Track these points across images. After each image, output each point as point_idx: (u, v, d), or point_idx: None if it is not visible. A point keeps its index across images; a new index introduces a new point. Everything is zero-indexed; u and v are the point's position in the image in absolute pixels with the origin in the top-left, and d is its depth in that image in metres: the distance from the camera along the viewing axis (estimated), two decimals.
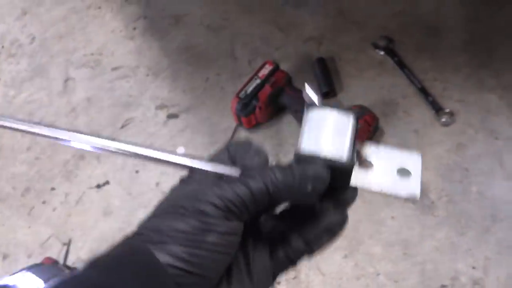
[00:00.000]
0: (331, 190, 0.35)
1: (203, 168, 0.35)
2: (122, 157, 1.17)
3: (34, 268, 0.95)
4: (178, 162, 0.35)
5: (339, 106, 0.37)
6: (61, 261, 1.05)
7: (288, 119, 1.16)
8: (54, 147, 1.23)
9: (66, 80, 1.35)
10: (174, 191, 0.35)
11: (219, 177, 0.35)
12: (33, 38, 1.45)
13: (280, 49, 1.29)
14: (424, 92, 1.13)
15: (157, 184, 1.12)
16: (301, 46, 1.29)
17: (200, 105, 1.23)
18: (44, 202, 1.14)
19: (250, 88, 1.10)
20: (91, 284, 0.30)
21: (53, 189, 1.16)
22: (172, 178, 1.12)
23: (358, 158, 0.37)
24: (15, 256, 1.08)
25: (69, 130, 0.36)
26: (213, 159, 0.36)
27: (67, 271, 0.98)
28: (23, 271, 0.93)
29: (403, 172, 0.37)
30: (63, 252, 1.06)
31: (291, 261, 0.37)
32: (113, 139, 0.35)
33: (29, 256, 1.07)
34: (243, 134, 1.16)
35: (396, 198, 1.02)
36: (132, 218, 1.09)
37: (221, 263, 0.32)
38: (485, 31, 1.22)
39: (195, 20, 1.39)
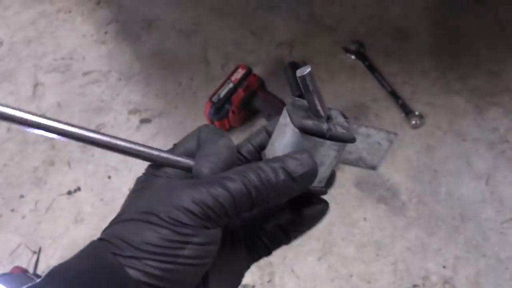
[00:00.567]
0: None
1: (157, 158, 0.32)
2: (93, 162, 1.16)
3: (2, 277, 0.92)
4: (130, 150, 0.32)
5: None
6: (31, 270, 1.02)
7: (261, 123, 1.16)
8: (23, 153, 1.20)
9: (36, 85, 1.32)
10: (144, 191, 0.32)
11: (189, 172, 0.32)
12: (1, 42, 1.42)
13: (252, 53, 1.30)
14: (394, 95, 1.15)
15: (130, 189, 1.11)
16: (274, 50, 1.30)
17: (173, 110, 1.22)
18: (12, 210, 1.11)
19: (223, 92, 1.10)
20: None
21: (22, 196, 1.13)
22: None
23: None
24: None
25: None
26: (181, 142, 0.34)
27: (37, 280, 0.96)
28: None
29: (373, 146, 0.37)
30: (33, 260, 1.04)
31: (268, 250, 0.35)
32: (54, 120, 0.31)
33: None
34: None
35: (368, 199, 1.04)
36: (104, 225, 1.05)
37: (198, 275, 0.29)
38: (451, 36, 1.26)
39: (167, 25, 1.39)
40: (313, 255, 0.99)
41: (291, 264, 0.99)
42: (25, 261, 1.04)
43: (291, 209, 0.34)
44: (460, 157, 1.07)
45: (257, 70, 1.17)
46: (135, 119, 1.22)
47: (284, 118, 0.32)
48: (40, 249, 1.05)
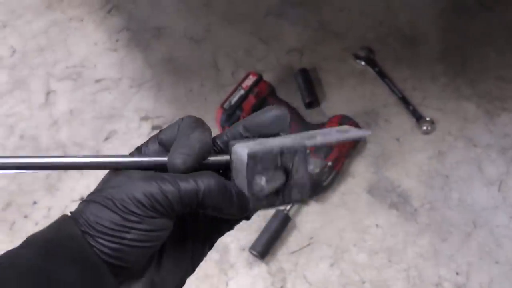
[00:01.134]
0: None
1: (130, 163, 0.35)
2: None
3: None
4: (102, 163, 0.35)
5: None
6: None
7: None
8: None
9: (48, 92, 1.34)
10: (110, 176, 0.35)
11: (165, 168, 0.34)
12: (14, 51, 1.44)
13: (262, 60, 1.31)
14: (404, 101, 1.16)
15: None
16: (283, 57, 1.30)
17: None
18: (26, 217, 1.12)
19: (234, 99, 1.11)
20: (27, 265, 0.30)
21: (35, 203, 1.14)
22: None
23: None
24: None
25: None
26: (164, 130, 0.37)
27: None
28: None
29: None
30: None
31: (230, 226, 0.39)
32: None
33: None
34: None
35: (379, 205, 1.04)
36: None
37: (143, 255, 0.33)
38: (460, 41, 1.26)
39: (178, 32, 1.40)
40: (325, 261, 0.99)
41: (302, 270, 0.99)
42: None
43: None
44: (471, 162, 1.07)
45: (267, 77, 1.18)
46: (146, 126, 1.23)
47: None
48: None
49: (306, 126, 1.09)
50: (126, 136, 1.22)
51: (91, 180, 1.16)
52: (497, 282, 0.93)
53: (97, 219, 0.32)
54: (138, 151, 0.37)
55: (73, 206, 1.18)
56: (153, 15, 1.44)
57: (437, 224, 1.01)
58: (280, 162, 0.36)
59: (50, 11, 1.51)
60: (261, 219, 1.03)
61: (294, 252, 1.01)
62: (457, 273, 0.95)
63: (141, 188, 0.32)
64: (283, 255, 1.01)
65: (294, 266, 0.99)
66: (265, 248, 0.99)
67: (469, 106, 1.15)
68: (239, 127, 0.38)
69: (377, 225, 1.02)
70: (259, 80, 1.13)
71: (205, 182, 0.33)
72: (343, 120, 1.06)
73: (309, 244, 1.01)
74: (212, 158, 0.36)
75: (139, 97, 1.29)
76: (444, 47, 1.26)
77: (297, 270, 0.99)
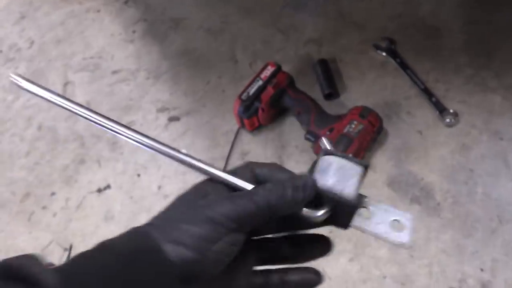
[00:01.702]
0: (331, 223, 0.43)
1: (226, 179, 0.40)
2: (123, 160, 1.16)
3: None
4: (209, 172, 0.40)
5: (350, 157, 0.43)
6: None
7: (290, 121, 1.15)
8: (54, 152, 1.21)
9: (65, 84, 1.34)
10: (197, 191, 0.39)
11: (233, 190, 0.39)
12: (32, 43, 1.44)
13: (280, 51, 1.29)
14: (427, 93, 1.13)
15: (159, 187, 1.11)
16: (302, 48, 1.28)
17: (201, 108, 1.22)
18: (44, 208, 1.13)
19: (252, 90, 1.09)
20: (109, 271, 0.32)
21: (53, 194, 1.14)
22: (174, 181, 1.11)
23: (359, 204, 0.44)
24: None
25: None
26: (234, 171, 0.41)
27: None
28: None
29: (396, 224, 0.44)
30: (64, 258, 1.05)
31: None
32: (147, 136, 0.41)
33: None
34: (245, 136, 1.15)
35: (401, 199, 1.02)
36: (134, 223, 1.06)
37: (219, 267, 0.36)
38: (484, 32, 1.22)
39: (195, 23, 1.38)
40: (345, 256, 0.97)
41: (322, 265, 0.96)
42: (57, 258, 1.05)
43: (293, 244, 0.45)
44: (497, 156, 1.04)
45: (285, 68, 1.16)
46: (163, 118, 1.22)
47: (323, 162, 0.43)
48: (71, 246, 1.06)
49: (325, 117, 1.07)
50: (143, 127, 1.21)
51: (109, 172, 1.15)
52: None
53: (187, 227, 0.35)
54: (231, 172, 0.41)
55: (91, 198, 1.19)
56: (170, 6, 1.43)
57: (461, 219, 0.98)
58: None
59: (67, 3, 1.51)
60: None
61: None
62: (481, 270, 0.93)
63: (228, 206, 0.36)
64: None
65: (314, 260, 0.97)
66: None
67: (494, 98, 1.11)
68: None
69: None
70: (278, 70, 1.11)
71: (271, 193, 0.37)
72: (364, 111, 1.04)
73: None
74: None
75: (156, 89, 1.28)
76: (468, 38, 1.22)
77: (316, 265, 0.97)
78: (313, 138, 1.05)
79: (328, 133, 1.03)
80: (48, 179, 1.17)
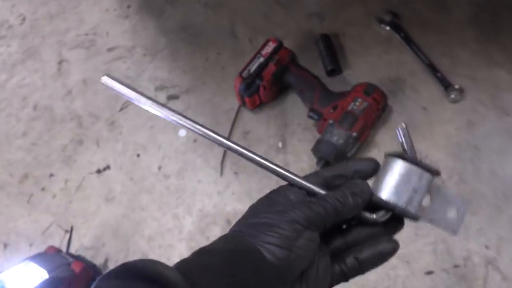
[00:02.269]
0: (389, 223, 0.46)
1: (301, 183, 0.45)
2: (122, 141, 1.14)
3: (37, 258, 0.92)
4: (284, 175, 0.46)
5: (420, 161, 0.45)
6: (64, 249, 1.02)
7: (292, 99, 1.12)
8: (51, 131, 1.18)
9: (60, 61, 1.30)
10: (278, 197, 0.45)
11: (308, 194, 0.45)
12: (23, 19, 1.39)
13: (282, 26, 1.25)
14: (432, 68, 1.10)
15: (159, 168, 1.09)
16: (304, 23, 1.24)
17: (201, 86, 1.19)
18: (43, 189, 1.11)
19: (253, 67, 1.06)
20: (218, 270, 0.37)
21: (52, 175, 1.12)
22: (174, 161, 1.09)
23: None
24: (16, 245, 1.05)
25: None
26: (308, 178, 0.46)
27: (70, 259, 0.95)
28: (26, 261, 0.91)
29: (451, 212, 0.45)
30: (65, 240, 1.04)
31: (345, 277, 0.46)
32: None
33: (31, 244, 1.04)
34: (246, 114, 1.12)
35: None
36: (134, 203, 1.06)
37: (305, 263, 0.41)
38: (492, 6, 1.18)
39: None
40: None
41: None
42: (58, 240, 1.04)
43: (367, 245, 0.46)
44: (503, 133, 1.02)
45: (286, 43, 1.12)
46: (162, 96, 1.19)
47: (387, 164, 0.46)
48: (72, 228, 1.05)
49: (329, 94, 1.04)
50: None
51: (108, 153, 1.13)
52: None
53: (273, 228, 0.40)
54: (305, 178, 0.46)
55: (91, 179, 1.16)
56: None
57: (466, 197, 0.97)
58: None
59: None
60: None
61: None
62: (486, 247, 0.92)
63: (307, 209, 0.42)
64: None
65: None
66: None
67: (501, 74, 1.09)
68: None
69: None
70: (280, 46, 1.08)
71: (340, 200, 0.43)
72: (369, 88, 1.01)
73: None
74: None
75: (153, 66, 1.24)
76: (475, 11, 1.19)
77: None
78: (316, 116, 1.02)
79: (331, 110, 1.01)
80: (46, 160, 1.15)
